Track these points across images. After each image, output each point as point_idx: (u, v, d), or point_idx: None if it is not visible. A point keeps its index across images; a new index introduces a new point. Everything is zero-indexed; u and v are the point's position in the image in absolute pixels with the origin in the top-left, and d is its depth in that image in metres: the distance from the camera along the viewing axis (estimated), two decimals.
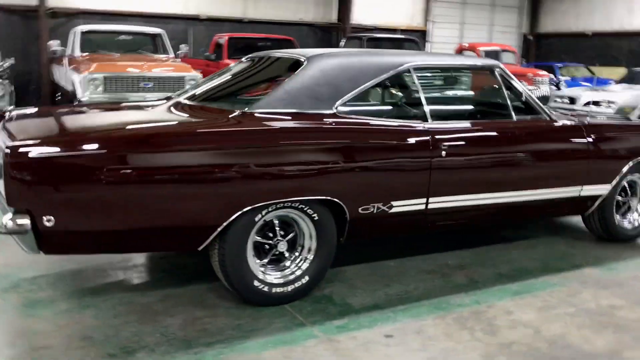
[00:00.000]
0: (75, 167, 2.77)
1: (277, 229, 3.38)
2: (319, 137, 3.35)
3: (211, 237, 3.13)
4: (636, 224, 4.79)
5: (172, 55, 10.59)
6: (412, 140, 3.62)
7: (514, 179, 4.03)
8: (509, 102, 4.13)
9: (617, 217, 4.70)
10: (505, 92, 4.15)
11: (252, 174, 3.12)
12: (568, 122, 4.36)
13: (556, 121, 4.28)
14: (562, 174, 4.23)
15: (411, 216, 3.71)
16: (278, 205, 3.27)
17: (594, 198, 4.48)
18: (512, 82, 4.21)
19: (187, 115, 3.58)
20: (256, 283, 3.30)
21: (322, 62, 3.64)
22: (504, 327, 3.25)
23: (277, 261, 3.44)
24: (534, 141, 4.12)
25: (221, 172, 3.05)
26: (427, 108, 3.79)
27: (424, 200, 3.70)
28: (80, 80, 8.82)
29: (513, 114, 4.11)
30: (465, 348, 3.02)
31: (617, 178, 4.50)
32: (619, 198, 4.68)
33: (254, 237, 3.31)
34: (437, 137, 3.69)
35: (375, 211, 3.54)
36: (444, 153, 3.69)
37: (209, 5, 14.90)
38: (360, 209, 3.48)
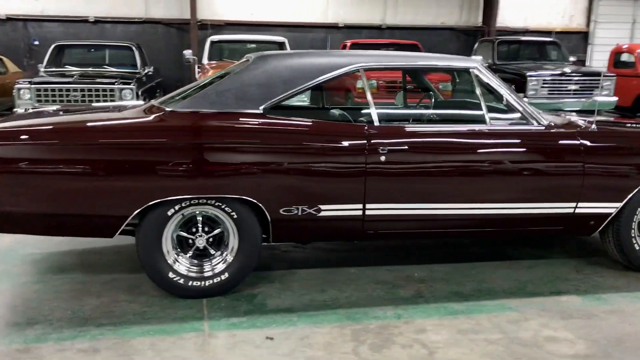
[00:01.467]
0: None
1: (200, 225, 3.51)
2: (232, 136, 3.40)
3: (122, 227, 3.35)
4: None
5: None
6: (344, 143, 3.50)
7: (472, 190, 3.65)
8: (483, 106, 3.78)
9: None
10: (481, 96, 3.80)
11: (157, 169, 3.29)
12: (560, 130, 3.85)
13: (546, 128, 3.81)
14: (542, 187, 3.73)
15: (346, 222, 3.59)
16: (193, 202, 3.40)
17: (599, 217, 3.89)
18: (493, 84, 3.85)
19: (131, 114, 3.79)
20: (171, 275, 3.46)
21: (262, 63, 3.68)
22: (399, 345, 3.02)
23: (204, 256, 3.57)
24: (504, 148, 3.70)
25: (126, 166, 3.26)
26: (374, 110, 3.65)
27: (359, 206, 3.55)
28: None
29: (488, 118, 3.76)
30: None
31: (630, 195, 3.86)
32: None
33: (176, 231, 3.48)
34: (375, 140, 3.52)
35: (300, 214, 3.49)
36: (383, 158, 3.51)
37: (348, 13, 15.23)
38: (281, 210, 3.46)
